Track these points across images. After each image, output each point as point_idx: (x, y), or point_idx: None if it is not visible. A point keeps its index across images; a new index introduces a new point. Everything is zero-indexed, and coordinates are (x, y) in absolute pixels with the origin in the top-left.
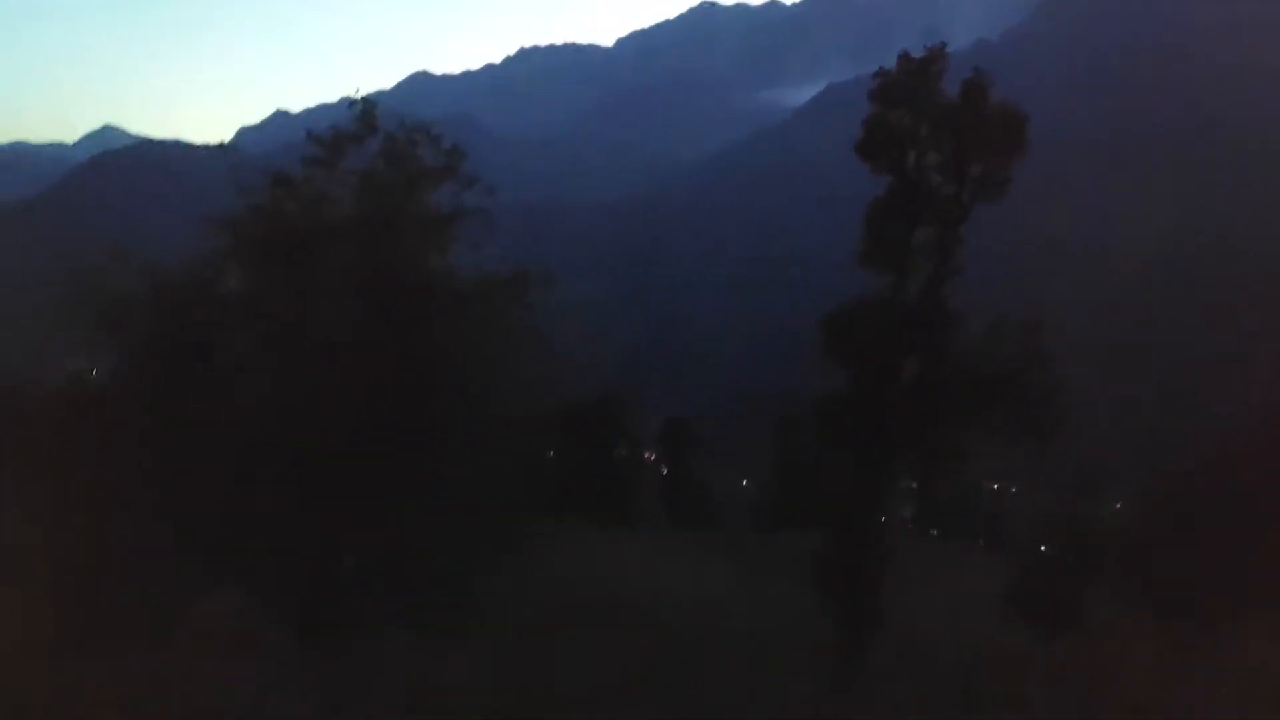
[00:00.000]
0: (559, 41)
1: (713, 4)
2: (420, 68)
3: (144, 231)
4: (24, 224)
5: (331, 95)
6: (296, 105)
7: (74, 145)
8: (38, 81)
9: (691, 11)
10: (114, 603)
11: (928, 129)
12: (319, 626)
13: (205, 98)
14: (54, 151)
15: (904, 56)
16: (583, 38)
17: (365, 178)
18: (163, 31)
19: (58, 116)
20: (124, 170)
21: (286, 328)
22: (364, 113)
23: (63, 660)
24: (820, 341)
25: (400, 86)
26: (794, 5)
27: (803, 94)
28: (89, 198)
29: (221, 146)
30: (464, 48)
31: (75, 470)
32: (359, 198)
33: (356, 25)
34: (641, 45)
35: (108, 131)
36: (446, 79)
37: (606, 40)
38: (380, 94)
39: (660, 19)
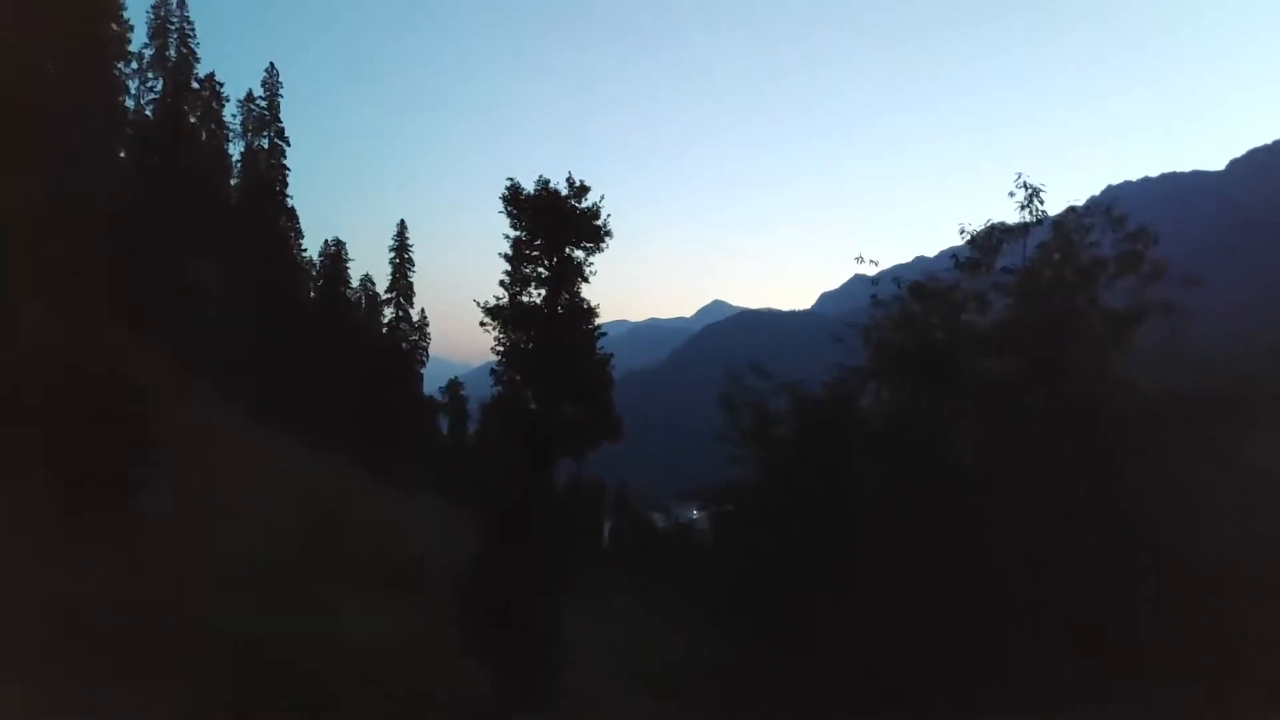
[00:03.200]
0: (1153, 173)
1: None
2: (996, 218)
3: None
4: (654, 384)
5: (904, 256)
6: (872, 270)
7: (691, 318)
8: (665, 272)
9: None
10: None
11: None
12: None
13: (792, 270)
14: (677, 324)
15: None
16: (1183, 165)
17: (1026, 274)
18: (756, 219)
19: (680, 297)
20: (728, 337)
21: (926, 447)
22: (1030, 199)
23: None
24: None
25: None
26: None
27: None
28: (701, 361)
29: (806, 312)
30: (1050, 187)
31: (705, 582)
32: (1017, 298)
33: (923, 184)
34: (1262, 163)
35: (716, 305)
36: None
37: (1216, 164)
38: (953, 248)
39: None
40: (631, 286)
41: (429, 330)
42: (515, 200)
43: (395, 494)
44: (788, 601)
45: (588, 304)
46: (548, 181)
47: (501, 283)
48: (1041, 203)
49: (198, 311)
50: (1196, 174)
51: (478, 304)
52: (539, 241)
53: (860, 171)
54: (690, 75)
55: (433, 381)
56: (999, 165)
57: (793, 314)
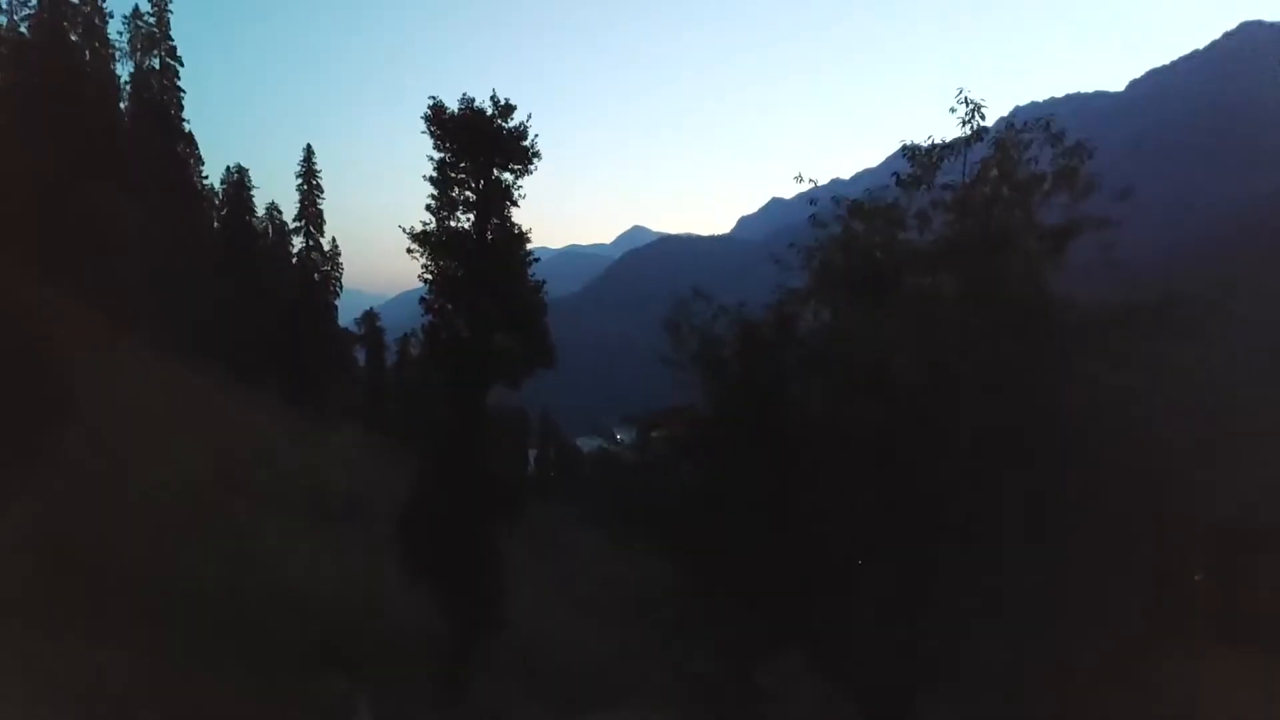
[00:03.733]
0: (1058, 94)
1: (1258, 23)
2: (903, 139)
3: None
4: (574, 314)
5: (822, 177)
6: (789, 193)
7: (611, 244)
8: (584, 198)
9: (1227, 37)
10: (696, 647)
11: None
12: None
13: (710, 195)
14: (597, 250)
15: None
16: (1086, 86)
17: (965, 191)
18: (675, 145)
19: (599, 223)
20: (648, 263)
21: (866, 368)
22: (972, 114)
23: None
24: None
25: (891, 159)
26: None
27: None
28: (621, 288)
29: (725, 236)
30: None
31: (656, 513)
32: (956, 216)
33: (839, 110)
34: (1161, 84)
35: (636, 231)
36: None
37: (1116, 85)
38: (868, 171)
39: (1183, 52)
40: (550, 212)
41: (341, 260)
42: (438, 120)
43: (316, 427)
44: (729, 523)
45: (519, 228)
46: (472, 100)
47: (428, 207)
48: (983, 118)
49: (99, 244)
50: (1099, 94)
51: (403, 229)
52: (464, 164)
53: (775, 98)
54: None
55: (347, 314)
56: (903, 93)
57: (713, 238)
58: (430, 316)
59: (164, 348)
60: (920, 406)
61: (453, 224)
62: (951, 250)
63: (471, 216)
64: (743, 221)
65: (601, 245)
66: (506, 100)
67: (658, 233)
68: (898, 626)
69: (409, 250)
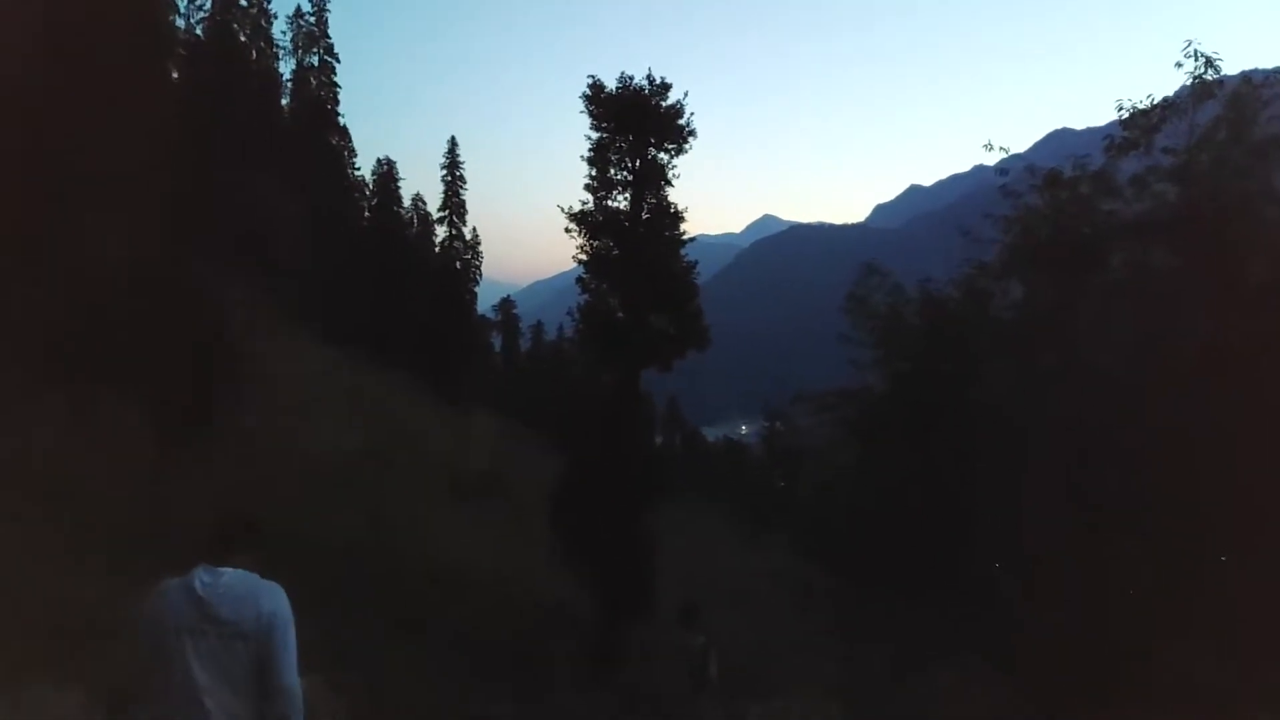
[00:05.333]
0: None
1: None
2: (1060, 124)
3: (802, 303)
4: (704, 303)
5: (963, 165)
6: (928, 179)
7: (740, 234)
8: (712, 187)
9: None
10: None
11: None
12: None
13: (844, 182)
14: (726, 240)
15: None
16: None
17: (1190, 154)
18: (806, 132)
19: (728, 212)
20: (779, 252)
21: (1063, 350)
22: (1205, 68)
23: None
24: None
25: (1038, 146)
26: None
27: None
28: (751, 278)
29: (860, 225)
30: (1104, 97)
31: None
32: (1176, 183)
33: (985, 93)
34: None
35: (766, 220)
36: (1090, 132)
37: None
38: (1016, 156)
39: None
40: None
41: (481, 250)
42: (597, 98)
43: (457, 410)
44: (900, 514)
45: (674, 208)
46: (630, 79)
47: (586, 186)
48: (1217, 71)
49: (266, 237)
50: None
51: (561, 209)
52: (621, 143)
53: (914, 83)
54: None
55: (483, 302)
56: (1044, 84)
57: (846, 227)
58: (586, 296)
59: (322, 334)
60: (1125, 394)
61: (610, 204)
62: (1174, 220)
63: (628, 196)
64: (879, 209)
65: (730, 234)
66: (663, 79)
67: (788, 221)
68: (1084, 627)
69: (567, 230)
